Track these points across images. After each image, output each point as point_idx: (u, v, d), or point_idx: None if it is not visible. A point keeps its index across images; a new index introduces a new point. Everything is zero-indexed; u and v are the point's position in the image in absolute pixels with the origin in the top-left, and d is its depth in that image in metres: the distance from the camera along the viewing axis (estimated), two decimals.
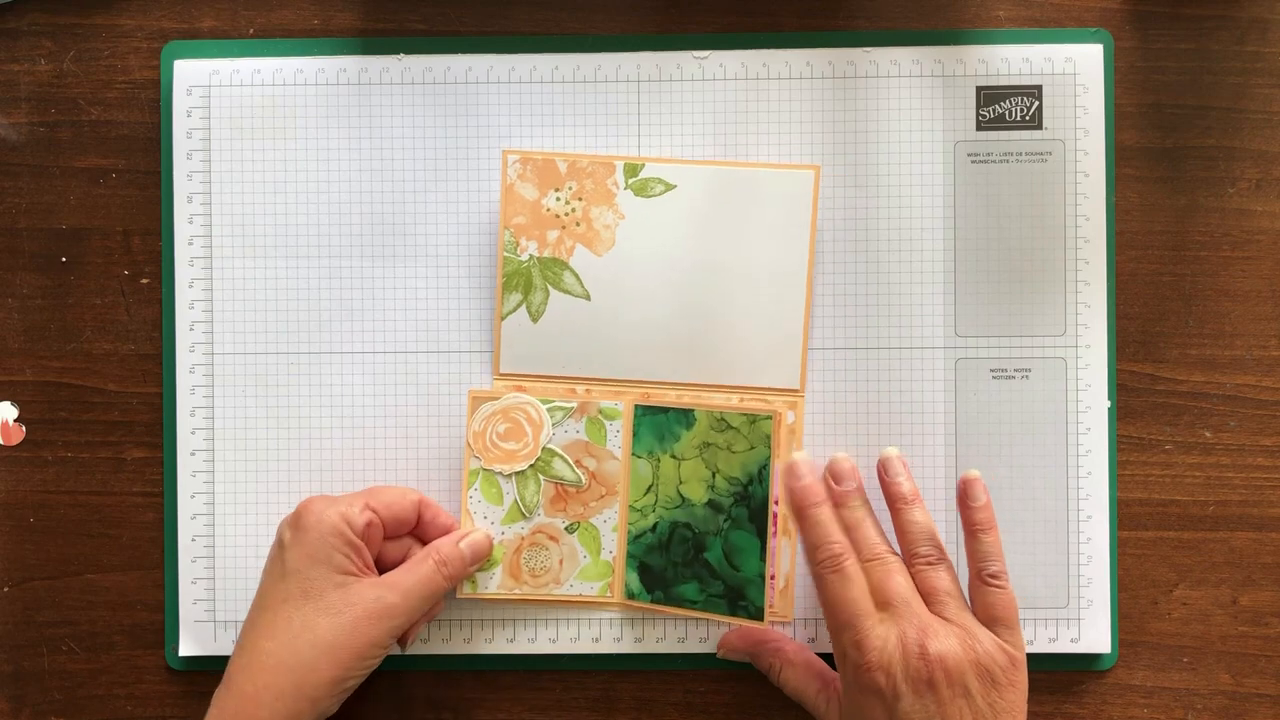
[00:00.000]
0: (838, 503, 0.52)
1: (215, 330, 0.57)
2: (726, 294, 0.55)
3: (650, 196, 0.55)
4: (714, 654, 0.56)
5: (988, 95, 0.56)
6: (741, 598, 0.53)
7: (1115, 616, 0.56)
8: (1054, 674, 0.57)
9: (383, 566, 0.53)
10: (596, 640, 0.56)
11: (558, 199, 0.55)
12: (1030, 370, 0.56)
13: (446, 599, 0.56)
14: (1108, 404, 0.56)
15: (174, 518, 0.56)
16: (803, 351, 0.55)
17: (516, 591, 0.55)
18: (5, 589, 0.58)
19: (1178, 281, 0.57)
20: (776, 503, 0.54)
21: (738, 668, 0.56)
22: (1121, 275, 0.57)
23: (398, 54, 0.57)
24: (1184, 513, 0.57)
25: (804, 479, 0.52)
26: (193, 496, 0.56)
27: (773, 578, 0.54)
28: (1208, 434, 0.57)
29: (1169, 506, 0.57)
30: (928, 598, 0.50)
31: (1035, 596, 0.56)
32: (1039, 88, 0.56)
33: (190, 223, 0.57)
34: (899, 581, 0.49)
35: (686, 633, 0.56)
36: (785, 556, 0.55)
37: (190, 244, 0.57)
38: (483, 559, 0.54)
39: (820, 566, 0.50)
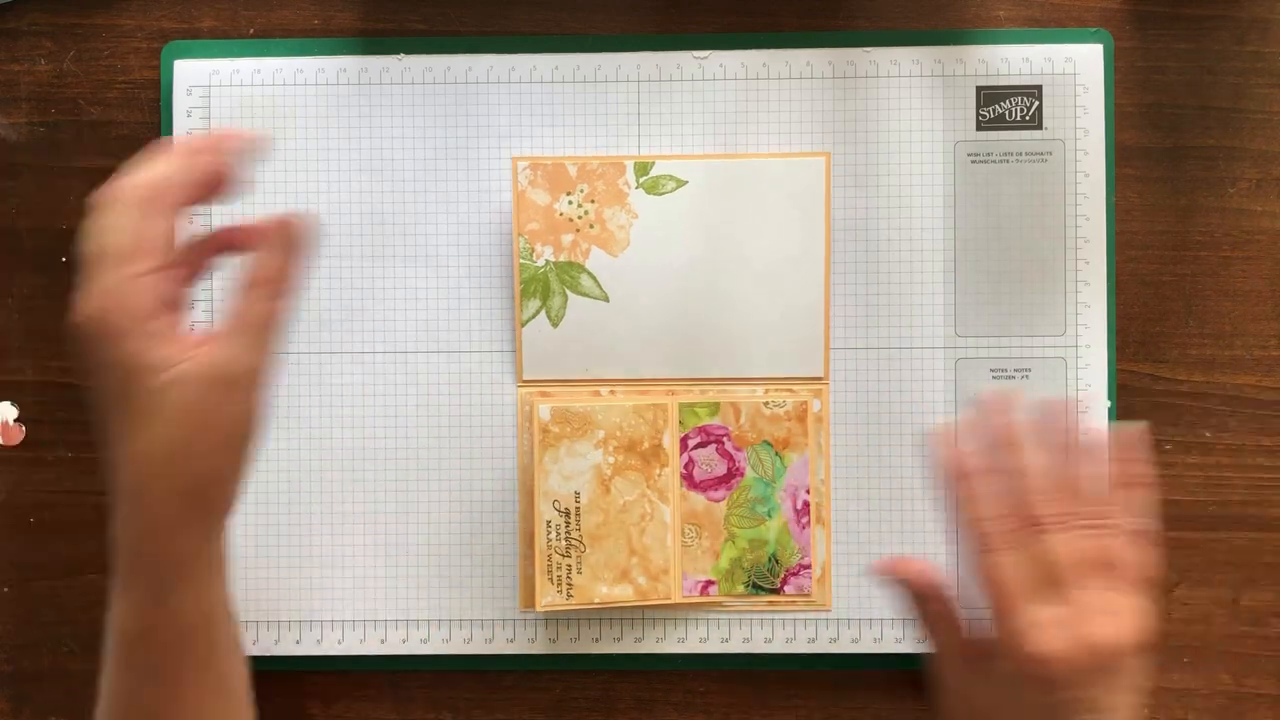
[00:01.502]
0: (998, 443, 0.47)
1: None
2: (745, 286, 0.55)
3: (662, 194, 0.55)
4: (715, 654, 0.56)
5: (988, 95, 0.56)
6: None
7: None
8: None
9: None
10: (596, 640, 0.56)
11: (570, 202, 0.55)
12: (1030, 370, 0.56)
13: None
14: (1108, 404, 0.56)
15: None
16: (825, 339, 0.56)
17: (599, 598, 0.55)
18: (5, 589, 0.58)
19: (1178, 281, 0.57)
20: (808, 491, 0.54)
21: (738, 668, 0.56)
22: (1121, 275, 0.57)
23: (398, 54, 0.57)
24: (1184, 513, 0.57)
25: (952, 446, 0.47)
26: None
27: (808, 566, 0.55)
28: (1208, 434, 0.57)
29: (1169, 506, 0.57)
30: (1092, 564, 0.45)
31: None
32: (1039, 88, 0.56)
33: (190, 223, 0.57)
34: (1061, 554, 0.45)
35: (686, 633, 0.56)
36: (821, 545, 0.55)
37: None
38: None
39: (987, 544, 0.46)
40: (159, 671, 0.44)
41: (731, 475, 0.55)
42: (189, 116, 0.56)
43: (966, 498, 0.47)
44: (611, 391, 0.56)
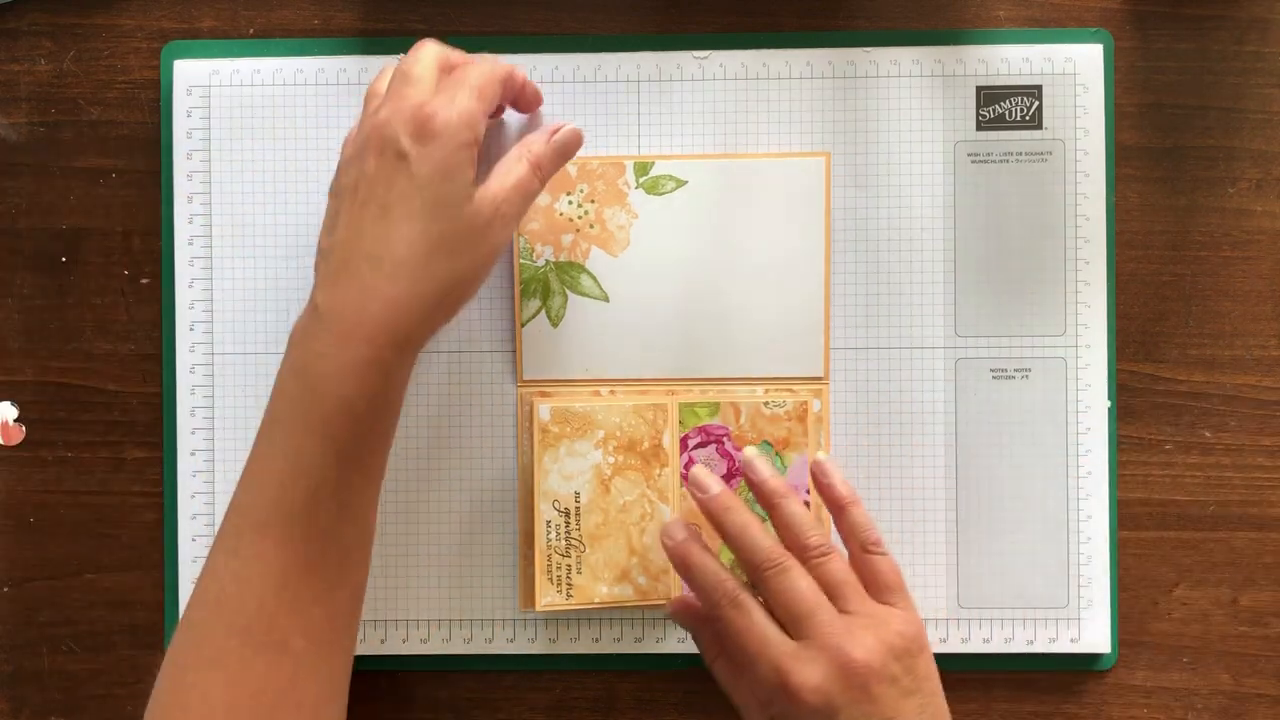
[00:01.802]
0: (720, 509, 0.50)
1: (215, 330, 0.57)
2: (745, 285, 0.55)
3: (662, 194, 0.55)
4: None
5: (988, 95, 0.56)
6: None
7: (1115, 616, 0.56)
8: (1054, 674, 0.57)
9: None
10: (596, 640, 0.56)
11: (570, 202, 0.55)
12: (1030, 370, 0.56)
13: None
14: (1108, 404, 0.56)
15: (174, 518, 0.56)
16: (825, 338, 0.56)
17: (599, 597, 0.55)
18: (5, 589, 0.58)
19: (1178, 281, 0.57)
20: (808, 491, 0.54)
21: None
22: (1121, 275, 0.57)
23: (398, 54, 0.57)
24: (1184, 513, 0.57)
25: (676, 536, 0.50)
26: (193, 496, 0.56)
27: None
28: (1208, 434, 0.57)
29: (1169, 506, 0.57)
30: (828, 591, 0.48)
31: (1035, 596, 0.56)
32: (1039, 88, 0.56)
33: (190, 223, 0.57)
34: (802, 588, 0.48)
35: (686, 633, 0.56)
36: None
37: (190, 244, 0.57)
38: (572, 153, 0.52)
39: (716, 608, 0.49)
40: (358, 440, 0.47)
41: (731, 475, 0.55)
42: (189, 116, 0.56)
43: (695, 570, 0.49)
44: (611, 391, 0.56)
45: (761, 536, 0.49)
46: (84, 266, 0.57)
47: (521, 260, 0.55)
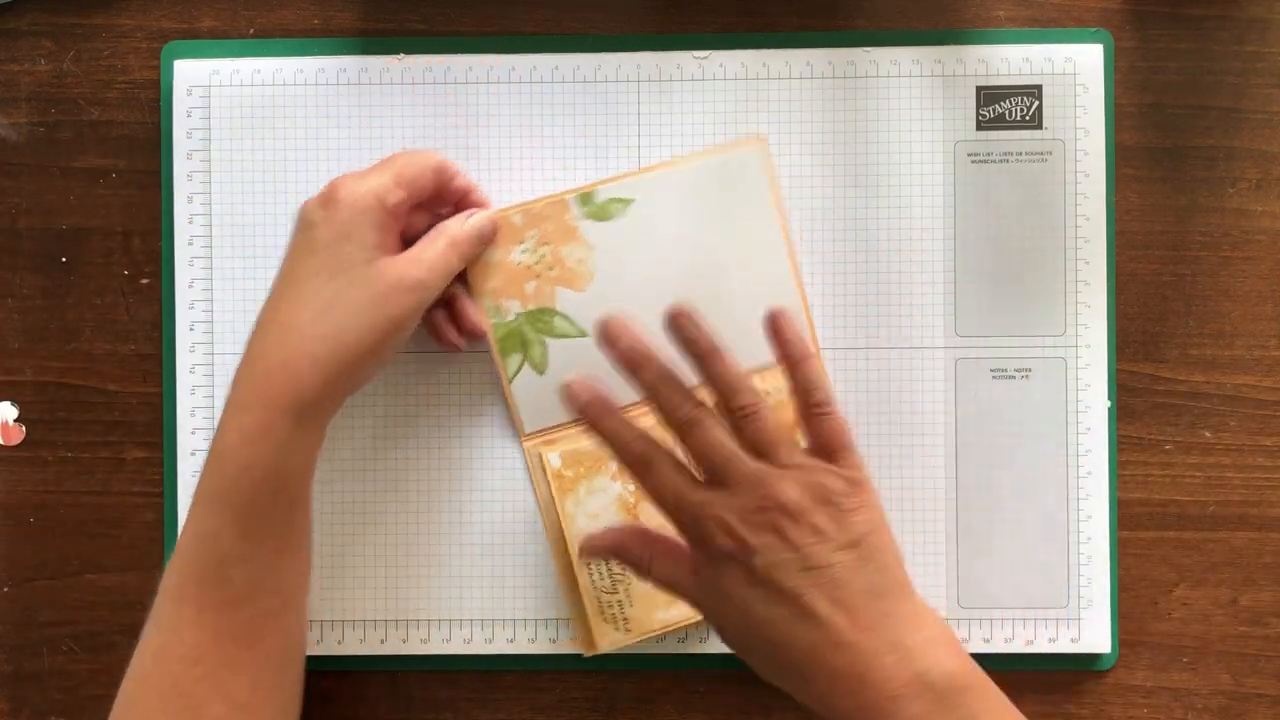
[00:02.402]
0: (632, 366, 0.48)
1: (215, 330, 0.57)
2: (713, 286, 0.55)
3: (611, 219, 0.55)
4: (715, 654, 0.56)
5: (988, 95, 0.56)
6: None
7: (1115, 616, 0.56)
8: (1054, 674, 0.57)
9: (406, 239, 0.52)
10: None
11: (524, 251, 0.55)
12: (1030, 370, 0.56)
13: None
14: (1108, 404, 0.56)
15: (174, 518, 0.56)
16: (807, 318, 0.55)
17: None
18: (5, 589, 0.58)
19: (1178, 281, 0.57)
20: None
21: (739, 668, 0.56)
22: (1121, 275, 0.57)
23: (398, 54, 0.57)
24: (1184, 513, 0.57)
25: (581, 397, 0.49)
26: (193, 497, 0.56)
27: None
28: (1208, 434, 0.57)
29: (1169, 506, 0.57)
30: (755, 449, 0.47)
31: (1035, 596, 0.56)
32: (1039, 88, 0.56)
33: (190, 223, 0.57)
34: (717, 438, 0.47)
35: (686, 633, 0.56)
36: None
37: (190, 244, 0.57)
38: (490, 239, 0.53)
39: (631, 470, 0.48)
40: (256, 509, 0.47)
41: None
42: (189, 116, 0.56)
43: (608, 435, 0.48)
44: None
45: (676, 389, 0.48)
46: (84, 266, 0.57)
47: (492, 320, 0.55)
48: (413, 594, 0.56)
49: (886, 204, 0.56)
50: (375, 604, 0.56)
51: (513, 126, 0.56)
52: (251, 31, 0.57)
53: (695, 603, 0.48)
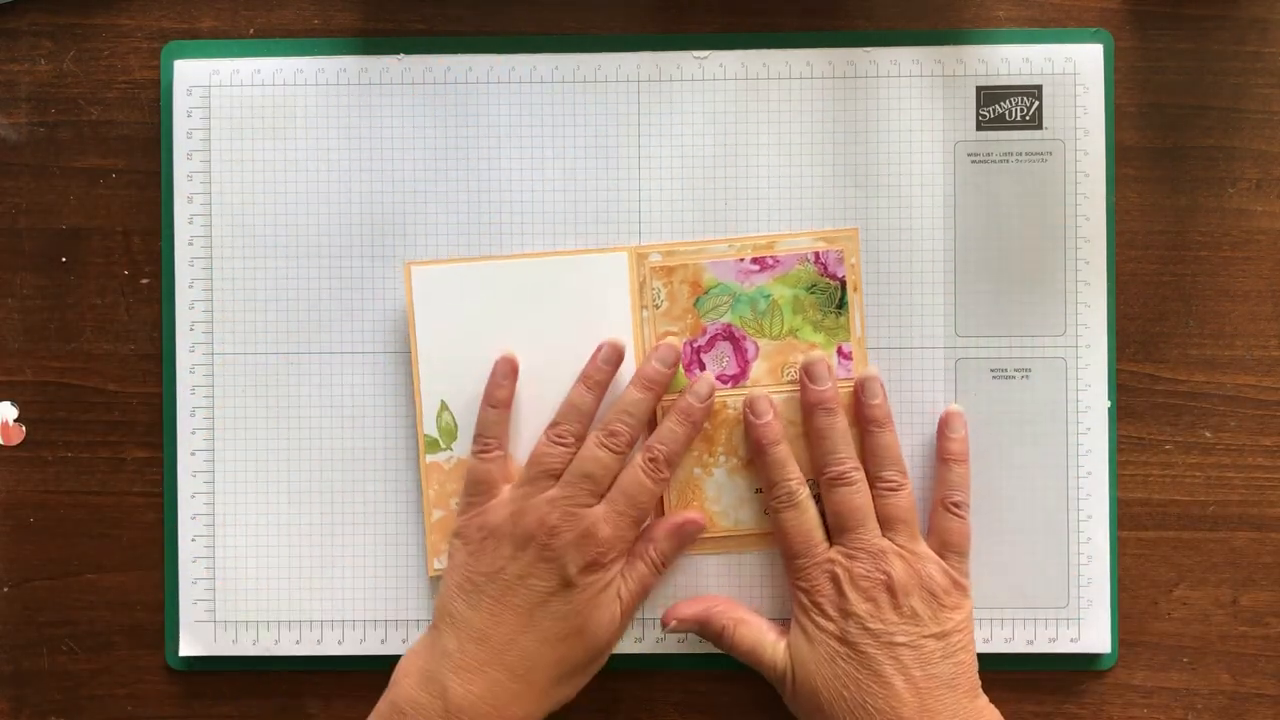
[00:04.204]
0: (811, 406, 0.53)
1: (215, 330, 0.57)
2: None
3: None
4: (715, 654, 0.56)
5: (988, 95, 0.56)
6: None
7: (1115, 616, 0.56)
8: (1054, 674, 0.57)
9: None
10: None
11: None
12: (1030, 370, 0.56)
13: None
14: (1108, 404, 0.56)
15: (174, 518, 0.56)
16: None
17: None
18: (5, 589, 0.58)
19: (1178, 281, 0.57)
20: None
21: (738, 668, 0.56)
22: (1121, 275, 0.57)
23: (398, 54, 0.57)
24: (1184, 513, 0.57)
25: (764, 417, 0.53)
26: (193, 496, 0.56)
27: None
28: (1208, 434, 0.57)
29: (1169, 506, 0.57)
30: (884, 522, 0.52)
31: (1035, 596, 0.56)
32: (1039, 88, 0.56)
33: (190, 223, 0.57)
34: (858, 504, 0.52)
35: (687, 633, 0.56)
36: None
37: (190, 244, 0.57)
38: (692, 539, 0.55)
39: (777, 502, 0.53)
40: None
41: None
42: (189, 116, 0.57)
43: (770, 461, 0.53)
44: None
45: (845, 445, 0.53)
46: (84, 266, 0.57)
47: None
48: (413, 594, 0.56)
49: (886, 204, 0.56)
50: (376, 604, 0.56)
51: (513, 126, 0.56)
52: (251, 31, 0.57)
53: (773, 666, 0.52)
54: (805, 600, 0.52)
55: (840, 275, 0.55)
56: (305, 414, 0.56)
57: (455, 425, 0.55)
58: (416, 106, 0.56)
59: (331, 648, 0.56)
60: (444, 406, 0.55)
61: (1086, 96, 0.56)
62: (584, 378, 0.53)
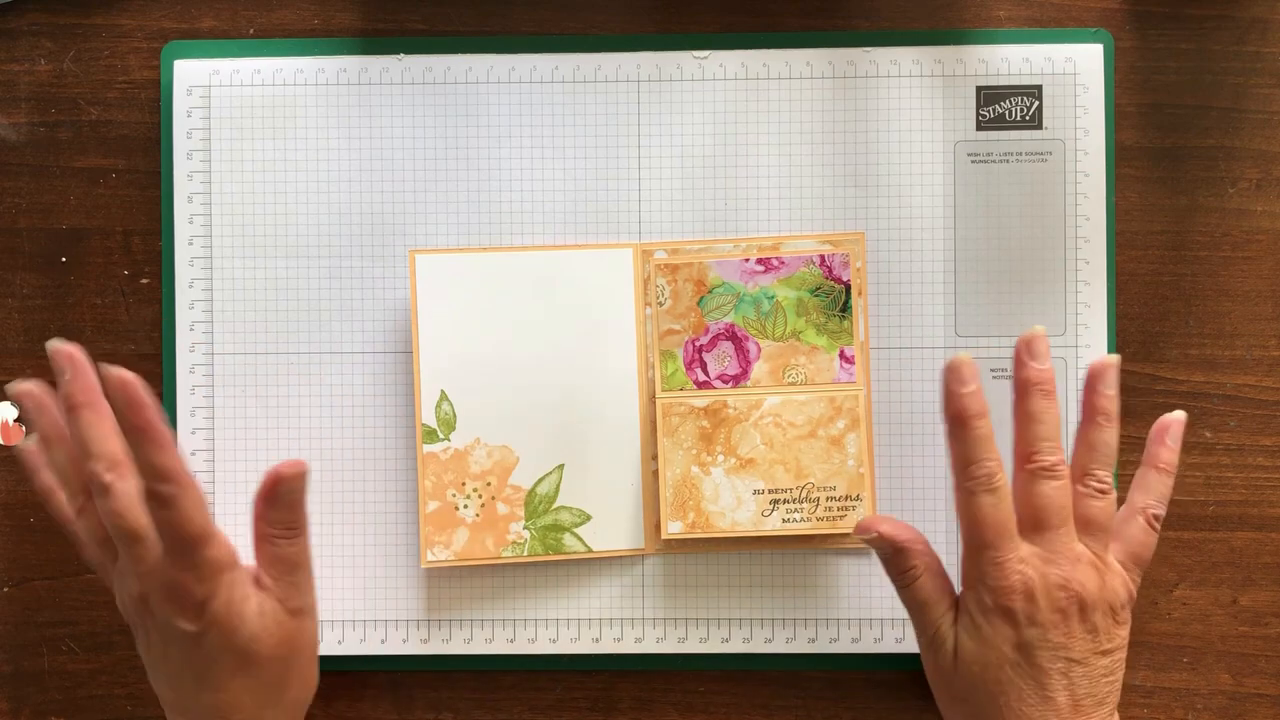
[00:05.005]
0: (1027, 386, 0.49)
1: (215, 330, 0.57)
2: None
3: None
4: (715, 654, 0.56)
5: (988, 95, 0.56)
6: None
7: None
8: None
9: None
10: (596, 640, 0.56)
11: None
12: None
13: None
14: None
15: None
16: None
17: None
18: (5, 589, 0.58)
19: (1178, 281, 0.57)
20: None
21: (738, 668, 0.56)
22: (1121, 275, 0.57)
23: (398, 54, 0.57)
24: (1184, 513, 0.57)
25: (970, 385, 0.48)
26: None
27: None
28: (1208, 434, 0.57)
29: (1169, 506, 0.57)
30: (1081, 525, 0.48)
31: None
32: (1039, 88, 0.56)
33: (190, 223, 0.57)
34: (1063, 503, 0.48)
35: (686, 633, 0.56)
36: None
37: (190, 244, 0.57)
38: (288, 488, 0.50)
39: (973, 483, 0.48)
40: None
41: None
42: (189, 117, 0.57)
43: (971, 437, 0.48)
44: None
45: (1058, 434, 0.48)
46: (84, 266, 0.57)
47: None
48: (413, 594, 0.56)
49: (886, 204, 0.56)
50: (375, 605, 0.56)
51: (513, 126, 0.56)
52: (251, 31, 0.57)
53: (935, 632, 0.49)
54: (988, 600, 0.47)
55: (845, 279, 0.55)
56: (305, 414, 0.56)
57: (454, 416, 0.55)
58: (416, 106, 0.56)
59: (332, 648, 0.56)
60: (444, 397, 0.55)
61: (1086, 96, 0.56)
62: None
